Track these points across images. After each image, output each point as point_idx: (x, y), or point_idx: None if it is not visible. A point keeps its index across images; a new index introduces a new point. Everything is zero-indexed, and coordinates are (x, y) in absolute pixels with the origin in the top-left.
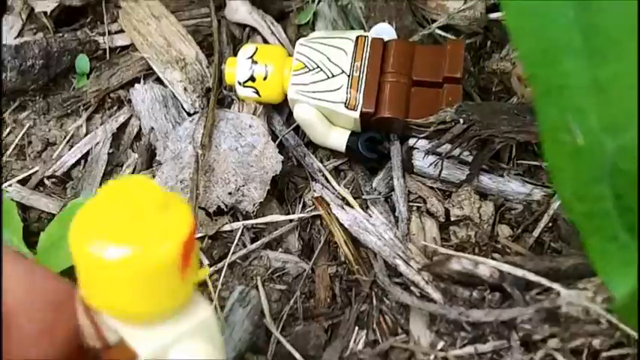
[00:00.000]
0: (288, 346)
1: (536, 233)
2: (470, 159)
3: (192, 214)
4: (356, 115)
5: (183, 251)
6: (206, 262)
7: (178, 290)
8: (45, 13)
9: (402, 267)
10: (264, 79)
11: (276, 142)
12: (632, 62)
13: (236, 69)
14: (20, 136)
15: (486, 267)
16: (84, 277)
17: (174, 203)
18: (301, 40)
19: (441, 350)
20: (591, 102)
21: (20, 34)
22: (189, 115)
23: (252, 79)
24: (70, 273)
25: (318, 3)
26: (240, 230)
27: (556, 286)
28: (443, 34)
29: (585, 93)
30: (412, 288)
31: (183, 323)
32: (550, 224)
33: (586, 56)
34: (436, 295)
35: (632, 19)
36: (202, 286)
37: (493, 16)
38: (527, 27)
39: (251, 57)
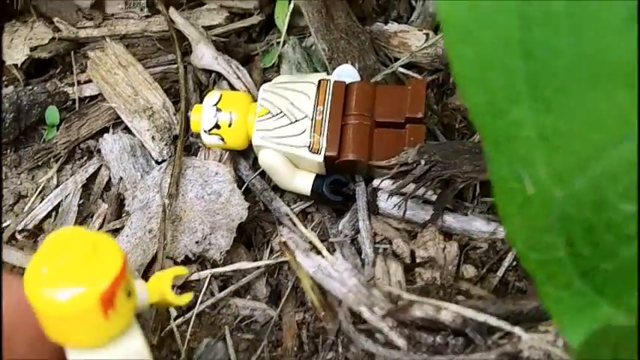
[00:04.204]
0: None
1: (500, 273)
2: (434, 199)
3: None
4: (320, 158)
5: (103, 298)
6: (174, 313)
7: (102, 328)
8: (15, 65)
9: (366, 313)
10: (229, 126)
11: (243, 188)
12: (576, 110)
13: (201, 117)
14: None
15: (449, 312)
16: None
17: (104, 251)
18: (265, 86)
19: None
20: (539, 152)
21: None
22: (157, 163)
23: (217, 126)
24: None
25: (283, 45)
26: (207, 279)
27: (517, 330)
28: (406, 72)
29: (533, 143)
30: (377, 335)
31: (114, 353)
32: (514, 263)
33: (532, 106)
34: (400, 342)
35: (577, 67)
36: (171, 337)
37: None
38: (473, 77)
39: (215, 104)
